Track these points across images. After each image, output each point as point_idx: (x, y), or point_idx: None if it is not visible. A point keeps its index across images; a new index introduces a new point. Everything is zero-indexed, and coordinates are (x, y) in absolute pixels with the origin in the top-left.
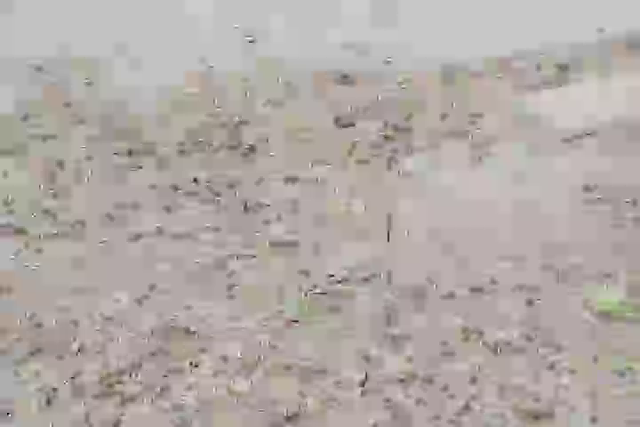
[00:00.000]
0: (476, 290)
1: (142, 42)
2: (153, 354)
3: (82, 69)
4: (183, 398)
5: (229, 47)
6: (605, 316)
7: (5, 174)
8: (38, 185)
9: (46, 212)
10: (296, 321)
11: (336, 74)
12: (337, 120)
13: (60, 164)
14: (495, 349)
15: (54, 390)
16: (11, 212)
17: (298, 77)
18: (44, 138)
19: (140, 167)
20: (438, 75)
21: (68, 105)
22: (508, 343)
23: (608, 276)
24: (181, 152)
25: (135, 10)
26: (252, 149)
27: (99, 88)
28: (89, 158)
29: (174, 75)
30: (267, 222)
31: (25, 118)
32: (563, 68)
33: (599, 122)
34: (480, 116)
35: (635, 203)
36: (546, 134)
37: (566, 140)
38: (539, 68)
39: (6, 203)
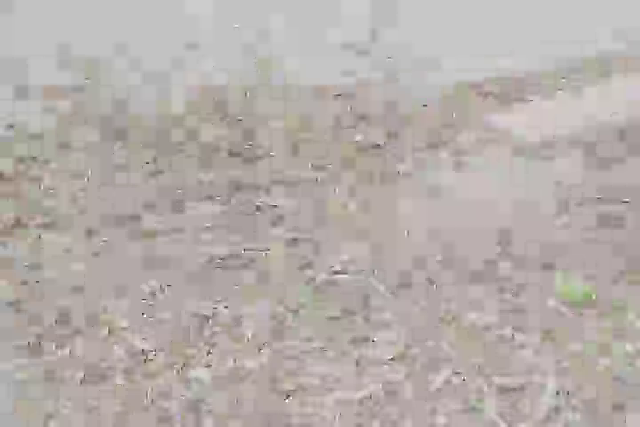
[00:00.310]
0: (455, 280)
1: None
2: (173, 337)
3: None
4: (199, 374)
5: (229, 47)
6: (573, 304)
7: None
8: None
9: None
10: (298, 309)
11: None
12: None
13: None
14: (475, 331)
15: (89, 367)
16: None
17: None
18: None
19: (159, 171)
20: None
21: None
22: (488, 327)
23: (574, 268)
24: (189, 155)
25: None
26: (255, 152)
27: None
28: (103, 160)
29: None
30: (270, 222)
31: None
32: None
33: (571, 131)
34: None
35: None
36: (520, 143)
37: (538, 149)
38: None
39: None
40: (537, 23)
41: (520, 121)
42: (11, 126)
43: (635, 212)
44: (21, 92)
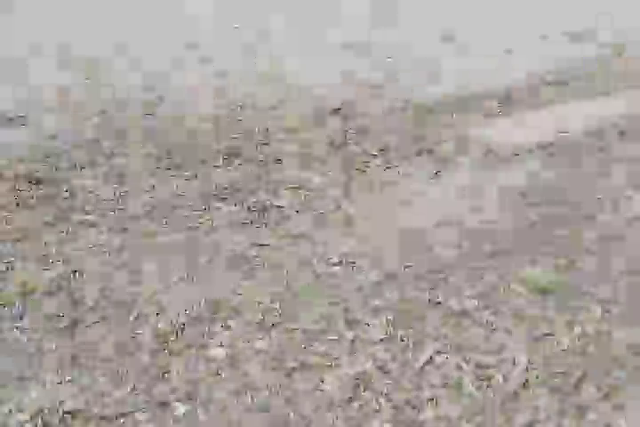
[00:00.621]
0: (437, 271)
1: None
2: (193, 320)
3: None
4: (216, 352)
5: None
6: (538, 291)
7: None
8: None
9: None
10: (303, 294)
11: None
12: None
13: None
14: (453, 316)
15: (120, 346)
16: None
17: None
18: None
19: (187, 179)
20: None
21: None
22: (465, 312)
23: (539, 260)
24: (215, 165)
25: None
26: (267, 163)
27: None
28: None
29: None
30: (279, 220)
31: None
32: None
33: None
34: (444, 138)
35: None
36: (492, 151)
37: (507, 157)
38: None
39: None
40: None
41: (504, 129)
42: (54, 137)
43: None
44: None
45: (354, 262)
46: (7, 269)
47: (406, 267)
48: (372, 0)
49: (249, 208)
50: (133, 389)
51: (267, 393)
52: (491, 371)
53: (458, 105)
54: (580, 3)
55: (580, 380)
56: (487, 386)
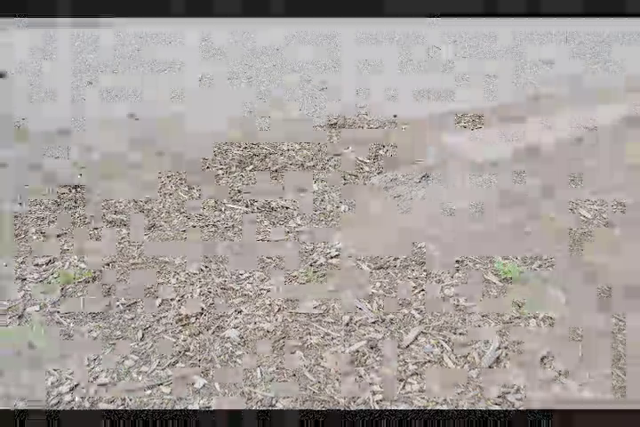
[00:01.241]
0: (422, 263)
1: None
2: (210, 305)
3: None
4: (230, 333)
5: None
6: (508, 280)
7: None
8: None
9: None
10: (305, 283)
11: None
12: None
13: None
14: (435, 302)
15: (146, 328)
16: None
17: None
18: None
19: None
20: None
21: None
22: (445, 299)
23: (511, 253)
24: (229, 172)
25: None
26: (275, 171)
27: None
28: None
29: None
30: (285, 219)
31: None
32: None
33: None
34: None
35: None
36: (471, 160)
37: (478, 167)
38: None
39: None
40: None
41: (471, 144)
42: (89, 148)
43: None
44: None
45: (349, 256)
46: (49, 261)
47: (395, 259)
48: None
49: (258, 209)
50: (158, 365)
51: (274, 369)
52: (467, 349)
53: (442, 120)
54: None
55: (545, 357)
56: (464, 363)
